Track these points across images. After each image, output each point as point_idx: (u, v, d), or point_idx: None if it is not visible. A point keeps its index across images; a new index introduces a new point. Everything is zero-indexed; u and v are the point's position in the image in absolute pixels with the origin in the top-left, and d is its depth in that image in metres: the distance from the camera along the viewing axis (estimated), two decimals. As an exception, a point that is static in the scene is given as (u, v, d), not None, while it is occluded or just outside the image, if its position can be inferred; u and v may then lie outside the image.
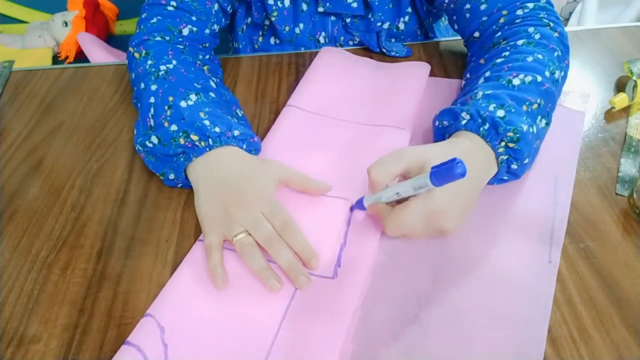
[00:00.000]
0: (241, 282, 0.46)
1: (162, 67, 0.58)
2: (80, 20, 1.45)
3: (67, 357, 0.42)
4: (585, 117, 0.61)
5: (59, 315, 0.44)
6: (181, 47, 0.63)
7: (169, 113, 0.54)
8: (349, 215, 0.50)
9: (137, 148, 0.55)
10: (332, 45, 0.76)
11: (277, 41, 0.76)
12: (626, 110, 0.62)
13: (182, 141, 0.51)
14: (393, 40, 0.75)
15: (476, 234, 0.49)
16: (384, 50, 0.71)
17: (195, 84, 0.57)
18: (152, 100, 0.55)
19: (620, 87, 0.65)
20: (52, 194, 0.55)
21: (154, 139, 0.53)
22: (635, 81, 0.61)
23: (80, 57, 1.44)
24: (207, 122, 0.52)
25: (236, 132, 0.53)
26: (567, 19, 1.60)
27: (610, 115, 0.61)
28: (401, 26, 0.73)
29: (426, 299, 0.44)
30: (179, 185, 0.54)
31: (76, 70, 0.72)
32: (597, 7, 1.50)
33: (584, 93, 0.64)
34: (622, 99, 0.61)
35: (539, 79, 0.52)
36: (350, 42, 0.76)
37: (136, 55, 0.61)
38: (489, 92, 0.52)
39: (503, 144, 0.48)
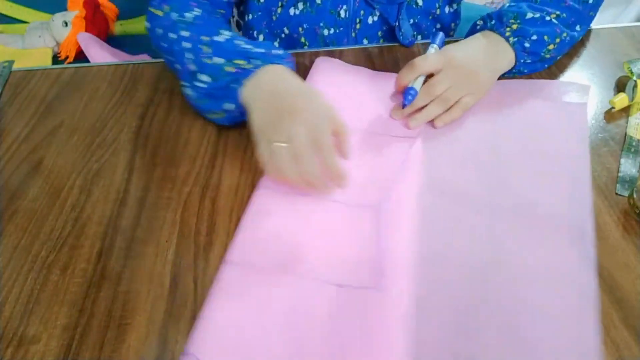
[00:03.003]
0: (282, 305, 0.44)
1: (188, 15, 0.60)
2: (80, 20, 1.45)
3: (67, 357, 0.42)
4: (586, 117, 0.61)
5: (59, 315, 0.44)
6: (206, 2, 0.65)
7: (207, 49, 0.56)
8: (378, 221, 0.50)
9: (190, 98, 0.59)
10: (352, 20, 0.75)
11: (297, 12, 0.75)
12: (626, 110, 0.62)
13: (230, 69, 0.54)
14: (411, 20, 0.75)
15: (511, 236, 0.49)
16: (397, 24, 0.72)
17: (223, 26, 0.60)
18: (187, 45, 0.58)
19: (620, 87, 0.65)
20: (52, 194, 0.55)
21: (204, 77, 0.56)
22: (635, 81, 0.61)
23: (80, 57, 1.44)
24: (248, 46, 0.56)
25: (278, 52, 0.56)
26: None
27: (610, 115, 0.61)
28: (419, 1, 0.74)
29: (475, 306, 0.44)
30: (238, 117, 0.56)
31: (76, 70, 0.72)
32: (597, 7, 1.50)
33: (583, 85, 0.65)
34: (622, 99, 0.61)
35: None
36: (369, 20, 0.75)
37: (158, 12, 0.62)
38: (512, 4, 0.64)
39: (508, 28, 0.61)
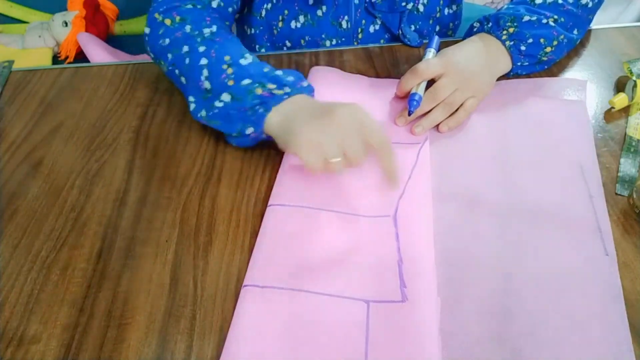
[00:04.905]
0: (308, 325, 0.43)
1: (206, 30, 0.59)
2: (80, 20, 1.45)
3: (67, 357, 0.42)
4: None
5: (59, 315, 0.45)
6: (216, 15, 0.63)
7: (230, 71, 0.54)
8: (395, 229, 0.49)
9: (199, 117, 0.56)
10: (354, 30, 0.75)
11: (298, 25, 0.75)
12: (626, 110, 0.62)
13: (259, 91, 0.52)
14: (412, 27, 0.75)
15: (528, 237, 0.49)
16: (400, 32, 0.72)
17: (242, 47, 0.59)
18: (204, 62, 0.56)
19: (619, 87, 0.65)
20: (52, 194, 0.55)
21: (226, 97, 0.53)
22: (634, 81, 0.61)
23: (80, 57, 1.44)
24: (279, 73, 0.54)
25: (305, 83, 0.55)
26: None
27: (610, 115, 0.61)
28: (420, 8, 0.74)
29: (502, 314, 0.43)
30: (252, 139, 0.54)
31: (76, 70, 0.72)
32: (597, 7, 1.50)
33: (580, 80, 0.65)
34: (621, 99, 0.61)
35: (560, 1, 0.62)
36: (371, 29, 0.75)
37: (167, 22, 0.60)
38: (510, 6, 0.64)
39: (505, 31, 0.61)
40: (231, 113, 0.53)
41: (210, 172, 0.56)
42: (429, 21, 0.76)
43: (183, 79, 0.58)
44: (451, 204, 0.52)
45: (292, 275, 0.46)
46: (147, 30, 0.63)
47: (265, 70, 0.55)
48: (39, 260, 0.49)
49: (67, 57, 1.45)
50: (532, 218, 0.50)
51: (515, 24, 0.61)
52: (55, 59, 1.49)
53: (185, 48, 0.57)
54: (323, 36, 0.75)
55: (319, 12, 0.72)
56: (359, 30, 0.75)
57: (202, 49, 0.57)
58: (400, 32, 0.73)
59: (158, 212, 0.53)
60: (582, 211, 0.50)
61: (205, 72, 0.55)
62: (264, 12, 0.76)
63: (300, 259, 0.47)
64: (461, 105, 0.60)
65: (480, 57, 0.61)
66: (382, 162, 0.49)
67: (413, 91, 0.59)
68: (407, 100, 0.58)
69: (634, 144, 0.57)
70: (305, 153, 0.48)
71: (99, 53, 1.38)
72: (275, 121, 0.52)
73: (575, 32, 0.65)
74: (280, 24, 0.76)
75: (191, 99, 0.57)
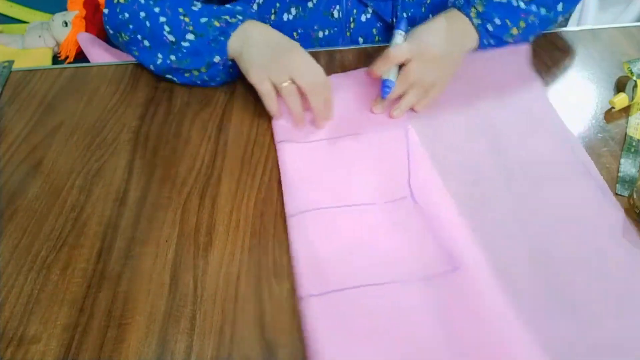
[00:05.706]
0: (379, 316, 0.43)
1: None
2: (80, 20, 1.45)
3: (67, 357, 0.42)
4: (585, 117, 0.61)
5: (59, 315, 0.45)
6: None
7: (187, 19, 0.61)
8: (419, 207, 0.51)
9: (169, 62, 0.63)
10: (346, 20, 0.75)
11: (290, 17, 0.75)
12: (626, 110, 0.62)
13: (216, 24, 0.60)
14: (405, 14, 0.75)
15: (532, 194, 0.52)
16: (394, 20, 0.73)
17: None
18: (162, 19, 0.62)
19: (620, 87, 0.65)
20: (52, 194, 0.55)
21: (190, 36, 0.61)
22: (635, 81, 0.61)
23: (80, 57, 1.44)
24: (228, 5, 0.63)
25: (255, 7, 0.65)
26: (567, 19, 1.60)
27: (610, 115, 0.61)
28: None
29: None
30: (218, 74, 0.63)
31: (76, 70, 0.72)
32: (597, 7, 1.50)
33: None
34: (622, 99, 0.61)
35: None
36: (363, 18, 0.75)
37: (121, 0, 0.64)
38: None
39: (474, 9, 0.62)
40: (198, 48, 0.61)
41: (210, 172, 0.56)
42: (421, 8, 0.76)
43: (147, 42, 0.64)
44: (452, 181, 0.54)
45: (342, 276, 0.46)
46: (105, 11, 0.67)
47: (215, 7, 0.63)
48: (39, 260, 0.49)
49: (67, 57, 1.45)
50: (529, 173, 0.54)
51: (484, 2, 0.62)
52: (55, 59, 1.49)
53: (142, 14, 0.63)
54: (315, 27, 0.75)
55: (310, 4, 0.73)
56: (351, 19, 0.75)
57: (157, 9, 0.62)
58: (394, 20, 0.73)
59: (158, 212, 0.53)
60: (564, 158, 0.55)
61: (166, 28, 0.62)
62: (255, 6, 0.76)
63: (341, 260, 0.47)
64: (433, 84, 0.61)
65: (448, 36, 0.62)
66: (311, 102, 0.57)
67: (384, 77, 0.60)
68: (380, 87, 0.60)
69: (634, 144, 0.57)
70: (256, 78, 0.58)
71: (99, 53, 1.38)
72: (235, 46, 0.61)
73: (559, 8, 0.65)
74: (272, 17, 0.76)
75: (159, 55, 0.63)
